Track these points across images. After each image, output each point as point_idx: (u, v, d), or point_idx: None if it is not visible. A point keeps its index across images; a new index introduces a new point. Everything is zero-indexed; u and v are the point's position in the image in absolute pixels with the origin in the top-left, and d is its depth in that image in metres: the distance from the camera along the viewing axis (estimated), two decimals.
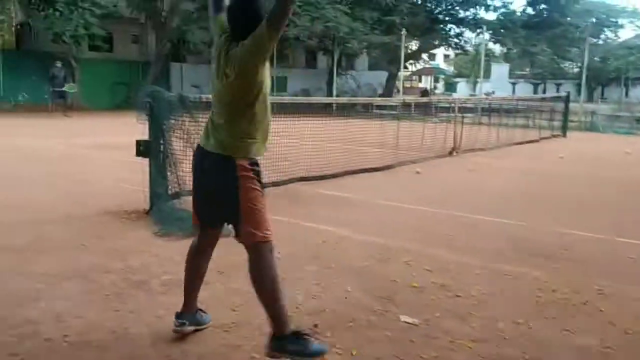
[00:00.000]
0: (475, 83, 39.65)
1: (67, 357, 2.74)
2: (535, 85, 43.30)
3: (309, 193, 6.85)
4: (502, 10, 29.54)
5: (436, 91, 46.69)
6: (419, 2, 28.97)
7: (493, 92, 29.94)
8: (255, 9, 2.68)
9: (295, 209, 5.95)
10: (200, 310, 3.05)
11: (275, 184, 6.93)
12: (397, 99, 19.43)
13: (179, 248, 4.24)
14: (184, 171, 5.14)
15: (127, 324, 3.06)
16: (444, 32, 31.14)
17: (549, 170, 9.51)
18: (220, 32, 2.80)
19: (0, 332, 2.92)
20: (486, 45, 29.49)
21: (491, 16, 30.16)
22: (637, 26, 36.64)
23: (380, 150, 9.32)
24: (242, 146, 2.71)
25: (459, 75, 53.92)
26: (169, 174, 5.39)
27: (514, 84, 42.81)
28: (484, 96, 22.49)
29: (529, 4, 30.21)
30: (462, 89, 47.35)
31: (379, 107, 17.40)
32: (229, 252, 4.29)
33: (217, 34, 2.82)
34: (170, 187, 5.44)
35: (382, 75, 30.92)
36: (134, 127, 5.40)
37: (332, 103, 17.21)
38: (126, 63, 24.15)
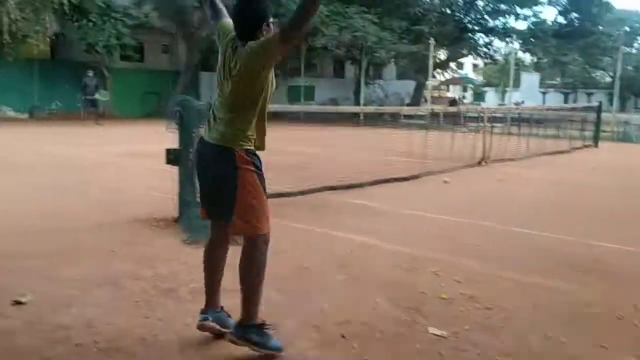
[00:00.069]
0: (504, 92, 39.26)
1: None
2: (566, 95, 42.71)
3: (336, 202, 6.84)
4: (533, 19, 29.30)
5: (464, 100, 46.30)
6: (448, 12, 28.88)
7: (522, 102, 29.61)
8: (254, 9, 2.77)
9: (322, 218, 5.95)
10: (226, 313, 3.07)
11: (303, 192, 6.95)
12: (425, 108, 19.33)
13: None
14: None
15: (156, 331, 3.09)
16: (472, 41, 30.96)
17: (580, 180, 9.34)
18: (227, 33, 2.87)
19: (33, 336, 2.97)
20: (516, 54, 29.21)
21: (521, 25, 29.99)
22: None
23: (408, 160, 9.27)
24: (241, 139, 2.76)
25: (488, 84, 53.50)
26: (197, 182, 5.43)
27: (544, 93, 42.29)
28: (513, 106, 22.23)
29: (560, 13, 29.90)
30: (491, 98, 46.96)
31: (407, 116, 17.34)
32: None
33: (223, 36, 2.88)
34: (199, 195, 5.48)
35: (410, 85, 30.83)
36: (164, 136, 5.47)
37: (359, 112, 17.22)
38: (157, 72, 24.54)
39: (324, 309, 3.44)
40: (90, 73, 19.88)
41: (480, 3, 29.41)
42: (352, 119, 19.80)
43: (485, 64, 46.10)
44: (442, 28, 26.93)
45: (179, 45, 25.26)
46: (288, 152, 7.29)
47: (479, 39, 30.89)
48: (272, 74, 2.81)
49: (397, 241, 5.08)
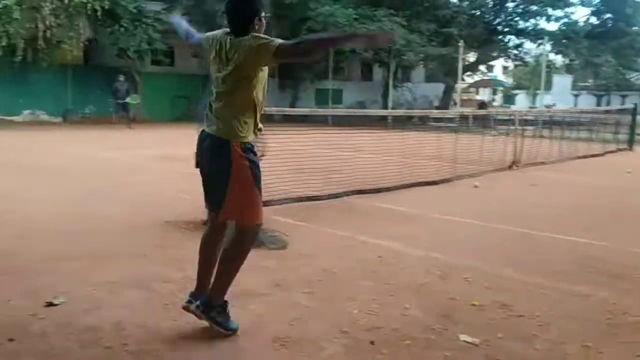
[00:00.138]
0: (535, 95, 38.64)
1: None
2: (599, 97, 41.84)
3: (364, 206, 6.79)
4: (564, 20, 28.71)
5: (494, 103, 45.70)
6: (477, 14, 28.54)
7: (554, 105, 29.10)
8: (246, 4, 2.91)
9: (350, 222, 5.91)
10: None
11: (331, 196, 6.92)
12: (454, 111, 19.14)
13: None
14: None
15: (184, 334, 3.09)
16: (502, 44, 30.54)
17: (615, 185, 9.11)
18: (212, 38, 3.05)
19: (64, 338, 3.00)
20: (547, 56, 28.72)
21: (552, 26, 29.45)
22: None
23: (437, 164, 9.16)
24: (237, 131, 2.91)
25: (518, 87, 52.70)
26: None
27: (576, 95, 41.51)
28: (544, 108, 21.86)
29: (593, 14, 29.30)
30: (521, 101, 46.21)
31: (436, 119, 17.18)
32: (284, 266, 4.32)
33: (210, 42, 3.06)
34: None
35: (438, 88, 30.57)
36: (193, 139, 5.48)
37: (387, 116, 17.13)
38: (186, 76, 24.80)
39: (353, 315, 3.40)
40: (122, 77, 20.20)
41: (510, 4, 28.98)
42: (380, 122, 19.75)
43: (516, 66, 45.48)
44: (472, 30, 26.62)
45: None
46: (316, 155, 7.25)
47: (509, 40, 30.44)
48: (265, 74, 2.96)
49: (426, 246, 5.01)
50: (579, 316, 3.50)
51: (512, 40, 30.32)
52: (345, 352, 2.93)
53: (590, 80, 46.05)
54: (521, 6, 28.57)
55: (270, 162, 5.37)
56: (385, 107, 25.72)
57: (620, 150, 14.65)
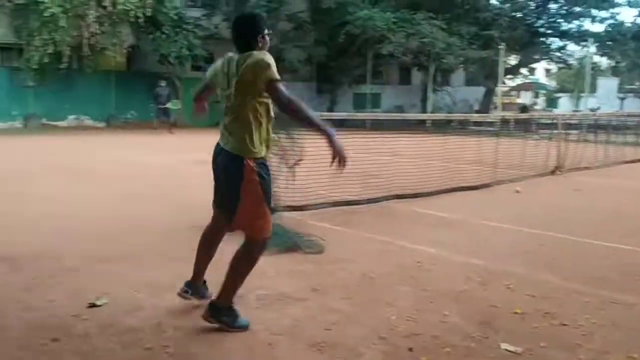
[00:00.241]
0: (579, 98, 37.71)
1: None
2: None
3: (403, 211, 6.73)
4: (610, 21, 27.96)
5: (536, 107, 44.78)
6: (519, 16, 28.02)
7: (598, 108, 28.31)
8: (250, 25, 3.15)
9: (389, 227, 5.86)
10: (205, 284, 3.53)
11: (369, 201, 6.88)
12: (495, 115, 18.82)
13: (274, 263, 4.30)
14: (279, 187, 5.20)
15: (223, 337, 3.10)
16: (545, 46, 29.94)
17: None
18: (219, 66, 3.27)
19: (106, 339, 3.05)
20: (591, 58, 28.00)
21: (597, 28, 28.73)
22: None
23: (477, 168, 9.03)
24: (249, 147, 3.05)
25: (561, 90, 51.54)
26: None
27: (622, 98, 40.30)
28: (589, 112, 21.30)
29: None
30: (565, 104, 45.16)
31: (476, 123, 16.93)
32: (321, 270, 4.31)
33: (218, 70, 3.28)
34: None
35: (479, 91, 30.15)
36: None
37: (427, 120, 16.97)
38: None
39: (391, 321, 3.36)
40: (163, 83, 20.56)
41: (553, 6, 28.41)
42: (418, 127, 19.58)
43: (559, 68, 44.49)
44: (513, 32, 26.19)
45: None
46: (353, 159, 7.25)
47: (551, 43, 29.83)
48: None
49: (467, 252, 4.93)
50: (623, 325, 3.39)
51: (555, 42, 29.70)
52: (383, 359, 2.90)
53: (637, 83, 44.66)
54: (564, 7, 27.97)
55: (308, 167, 5.38)
56: (423, 111, 25.49)
57: None
